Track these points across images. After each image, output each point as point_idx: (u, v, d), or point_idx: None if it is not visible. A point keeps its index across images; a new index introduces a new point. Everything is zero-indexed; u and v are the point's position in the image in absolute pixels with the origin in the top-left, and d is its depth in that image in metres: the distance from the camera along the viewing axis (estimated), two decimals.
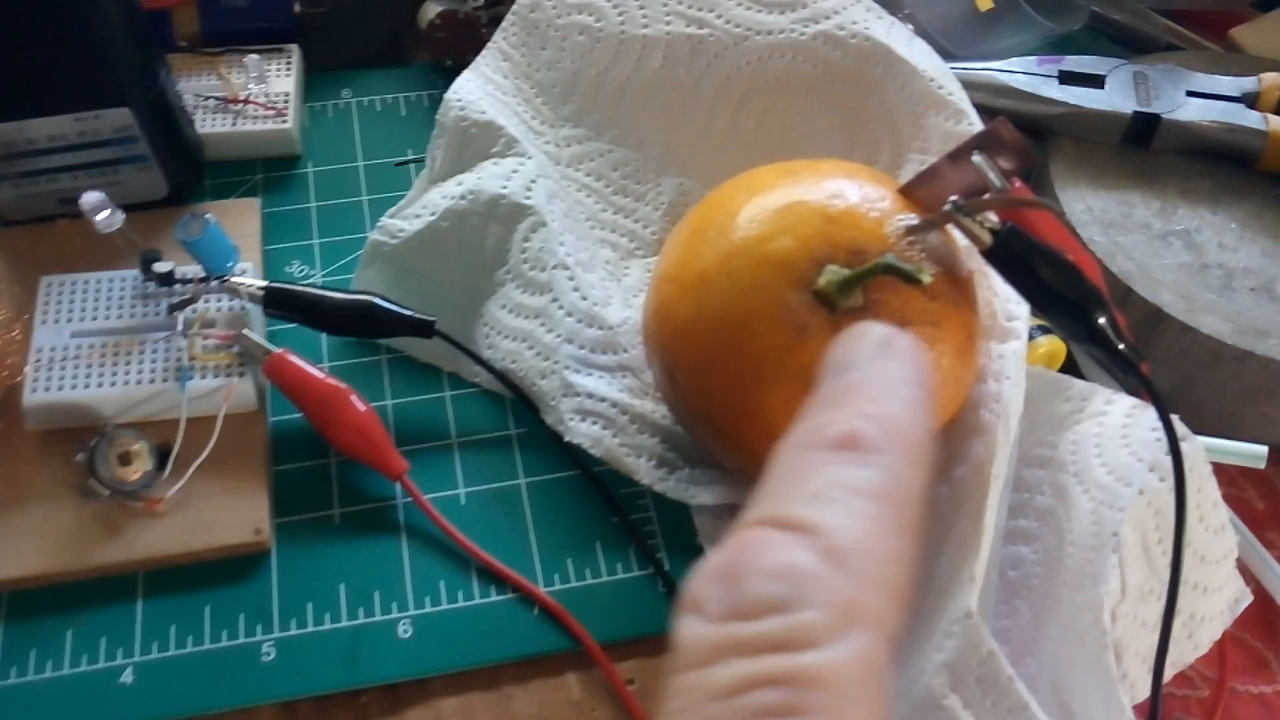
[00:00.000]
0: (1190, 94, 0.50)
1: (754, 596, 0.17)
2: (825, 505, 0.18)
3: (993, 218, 0.36)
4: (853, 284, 0.35)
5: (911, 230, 0.36)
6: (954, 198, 0.35)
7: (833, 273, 0.35)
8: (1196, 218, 0.48)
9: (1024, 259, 0.35)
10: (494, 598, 0.41)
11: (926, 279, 0.35)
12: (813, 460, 0.19)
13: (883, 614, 0.17)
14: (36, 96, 0.46)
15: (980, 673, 0.35)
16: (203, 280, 0.45)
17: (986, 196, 0.36)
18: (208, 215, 0.43)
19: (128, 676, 0.38)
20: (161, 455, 0.42)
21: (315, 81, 0.59)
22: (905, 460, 0.19)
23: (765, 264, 0.36)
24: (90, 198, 0.43)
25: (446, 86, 0.50)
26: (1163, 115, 0.49)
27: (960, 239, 0.39)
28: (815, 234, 0.36)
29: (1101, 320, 0.36)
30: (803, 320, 0.36)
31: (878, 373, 0.20)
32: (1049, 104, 0.50)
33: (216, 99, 0.55)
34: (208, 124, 0.54)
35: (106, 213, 0.43)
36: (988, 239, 0.35)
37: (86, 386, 0.42)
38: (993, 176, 0.36)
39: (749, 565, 0.17)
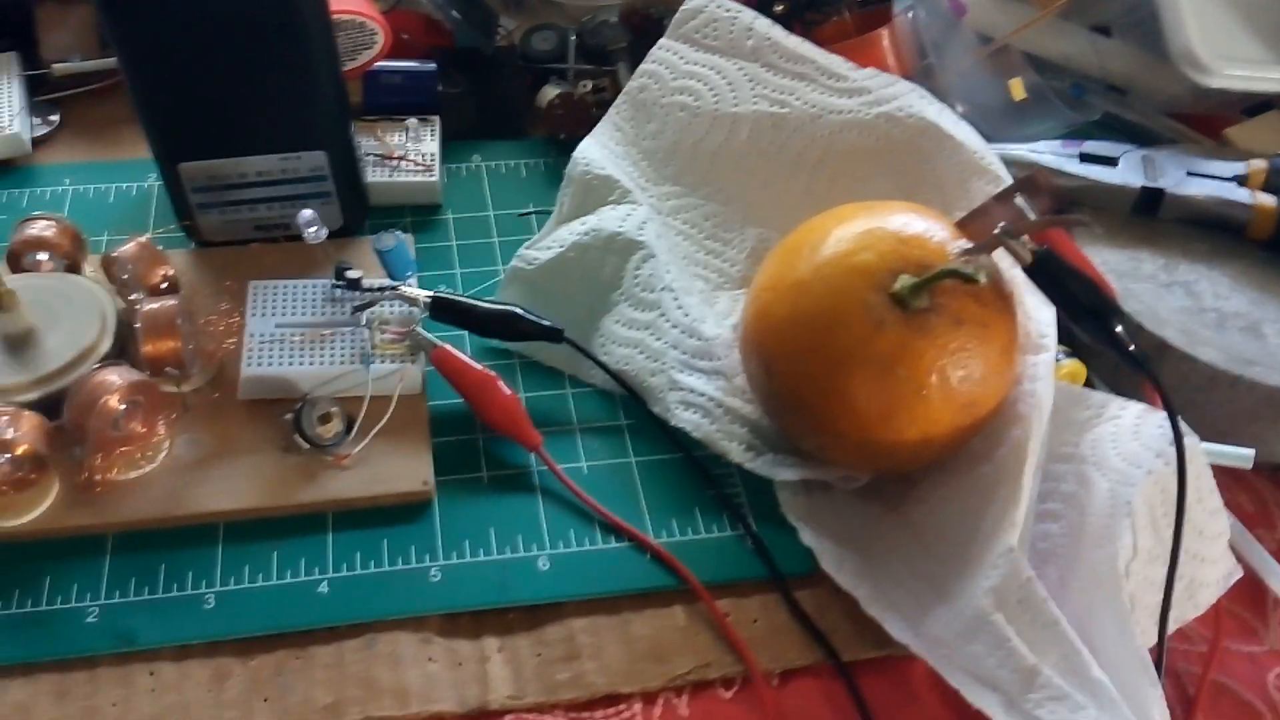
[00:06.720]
0: (1191, 174, 0.61)
1: None
2: None
3: (1032, 242, 0.46)
4: (922, 287, 0.45)
5: (967, 251, 0.46)
6: (1003, 224, 0.45)
7: (905, 280, 0.45)
8: (1195, 273, 0.58)
9: (1056, 274, 0.45)
10: (613, 544, 0.50)
11: (982, 279, 0.45)
12: None
13: None
14: (257, 138, 0.57)
15: (1021, 595, 0.43)
16: (380, 289, 0.55)
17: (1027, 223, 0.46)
18: (398, 231, 0.54)
19: (323, 588, 0.47)
20: (348, 422, 0.51)
21: (451, 148, 0.70)
22: None
23: (852, 272, 0.46)
24: (305, 214, 0.53)
25: (560, 157, 0.61)
26: (1167, 190, 0.60)
27: (1004, 263, 0.49)
28: (891, 251, 0.46)
29: (1119, 327, 0.46)
30: (881, 316, 0.45)
31: None
32: (1071, 178, 0.61)
33: (376, 155, 0.66)
34: (370, 175, 0.65)
35: (315, 228, 0.54)
36: (1029, 258, 0.45)
37: (289, 364, 0.52)
38: (1030, 213, 0.47)
39: None
